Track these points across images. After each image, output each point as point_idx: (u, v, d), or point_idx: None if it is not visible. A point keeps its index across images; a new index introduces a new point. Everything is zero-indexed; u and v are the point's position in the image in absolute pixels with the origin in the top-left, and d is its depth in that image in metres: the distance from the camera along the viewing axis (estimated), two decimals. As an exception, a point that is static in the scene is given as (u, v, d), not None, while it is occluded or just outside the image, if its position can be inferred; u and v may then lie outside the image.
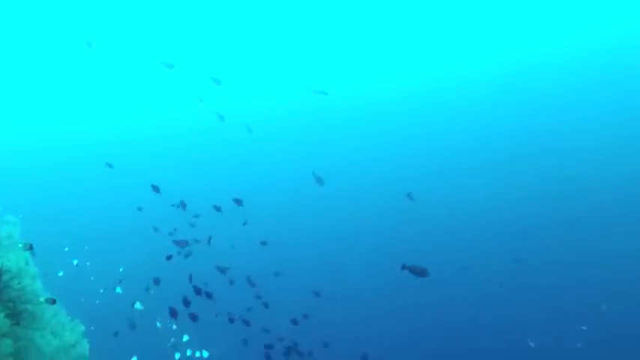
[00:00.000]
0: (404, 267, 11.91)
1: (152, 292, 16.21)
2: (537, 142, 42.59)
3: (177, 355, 12.00)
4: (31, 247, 9.15)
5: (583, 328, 24.57)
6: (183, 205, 20.34)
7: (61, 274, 11.89)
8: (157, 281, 18.09)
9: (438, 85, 47.95)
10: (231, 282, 22.96)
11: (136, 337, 19.57)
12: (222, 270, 19.22)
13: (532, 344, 23.87)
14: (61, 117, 50.31)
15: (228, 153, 45.53)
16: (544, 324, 27.72)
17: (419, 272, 11.85)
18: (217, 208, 19.11)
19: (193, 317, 15.75)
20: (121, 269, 18.81)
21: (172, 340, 14.41)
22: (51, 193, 42.95)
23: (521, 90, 45.71)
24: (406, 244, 35.77)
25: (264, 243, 24.07)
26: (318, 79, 44.97)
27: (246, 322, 19.53)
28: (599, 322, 25.85)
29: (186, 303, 15.81)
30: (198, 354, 13.37)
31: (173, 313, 15.26)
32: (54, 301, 9.06)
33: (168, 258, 15.63)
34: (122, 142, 46.53)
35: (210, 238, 17.19)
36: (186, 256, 19.31)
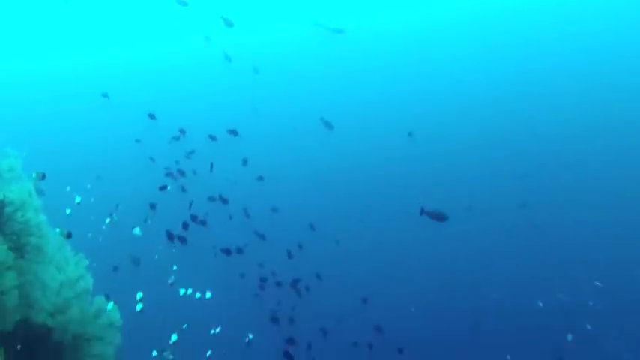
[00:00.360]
0: (422, 212, 11.50)
1: (149, 222, 16.22)
2: (538, 85, 41.92)
3: (181, 291, 11.99)
4: (43, 177, 9.00)
5: (598, 284, 24.39)
6: (182, 132, 20.37)
7: (68, 211, 11.75)
8: (153, 206, 18.21)
9: (446, 21, 46.60)
10: (230, 217, 23.21)
11: (138, 272, 19.75)
12: (224, 200, 19.29)
13: (541, 304, 23.74)
14: (65, 50, 49.26)
15: (234, 92, 44.75)
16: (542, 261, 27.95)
17: (438, 217, 11.48)
18: (212, 138, 19.22)
19: (182, 240, 15.92)
20: (118, 205, 18.76)
21: (173, 277, 14.47)
22: (54, 128, 42.39)
23: (527, 32, 44.63)
24: (405, 182, 35.72)
25: (260, 178, 24.00)
26: (325, 12, 43.46)
27: (240, 252, 19.95)
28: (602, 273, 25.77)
29: (185, 226, 16.09)
30: (198, 295, 13.37)
31: (170, 237, 15.58)
32: (69, 235, 9.00)
33: (162, 189, 15.64)
34: (124, 75, 45.71)
35: (212, 166, 17.35)
36: (182, 189, 19.38)
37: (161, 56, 49.29)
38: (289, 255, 19.85)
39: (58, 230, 8.78)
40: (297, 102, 45.46)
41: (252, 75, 30.74)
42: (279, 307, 20.78)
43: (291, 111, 43.98)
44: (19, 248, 7.71)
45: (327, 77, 47.59)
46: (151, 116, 19.85)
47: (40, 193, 11.05)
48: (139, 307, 9.52)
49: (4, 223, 7.63)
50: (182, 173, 19.81)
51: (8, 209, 7.64)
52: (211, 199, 20.51)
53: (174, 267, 14.04)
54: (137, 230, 14.50)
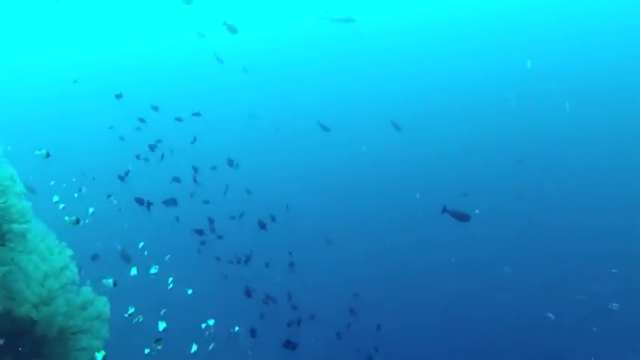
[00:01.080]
0: (445, 210, 11.57)
1: (115, 202, 15.96)
2: (548, 84, 41.34)
3: (170, 283, 11.70)
4: (48, 155, 8.61)
5: (614, 270, 24.09)
6: (155, 109, 20.30)
7: (62, 206, 11.40)
8: (122, 177, 18.08)
9: (452, 17, 45.79)
10: (207, 202, 23.17)
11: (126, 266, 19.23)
12: (195, 180, 19.48)
13: (551, 316, 23.41)
14: (56, 46, 48.20)
15: (226, 90, 43.83)
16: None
17: (460, 217, 11.54)
18: (178, 119, 19.37)
19: (140, 201, 15.78)
20: (94, 177, 18.49)
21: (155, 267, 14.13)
22: (38, 123, 41.19)
23: (526, 31, 44.15)
24: (405, 183, 35.23)
25: (230, 162, 23.75)
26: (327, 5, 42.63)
27: (213, 231, 20.20)
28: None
29: (170, 202, 16.27)
30: (190, 291, 13.29)
31: (140, 201, 15.53)
32: (77, 221, 8.67)
33: (124, 175, 15.67)
34: (116, 70, 44.58)
35: (195, 139, 17.57)
36: (162, 157, 19.26)
37: (153, 52, 48.53)
38: (263, 226, 19.61)
39: (66, 218, 8.47)
40: (297, 100, 44.96)
41: (244, 73, 30.29)
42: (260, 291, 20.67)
43: (290, 109, 43.39)
44: (0, 236, 7.23)
45: (327, 73, 46.91)
46: (118, 96, 19.75)
47: (31, 191, 10.60)
48: (130, 310, 9.16)
49: (-16, 209, 7.15)
50: (152, 148, 19.58)
51: (-12, 194, 7.14)
52: (175, 180, 20.67)
53: (156, 267, 13.68)
54: (113, 199, 14.31)
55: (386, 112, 35.90)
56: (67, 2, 42.43)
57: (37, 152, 8.58)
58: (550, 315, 23.01)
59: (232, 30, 19.11)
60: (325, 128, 25.62)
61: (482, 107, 40.99)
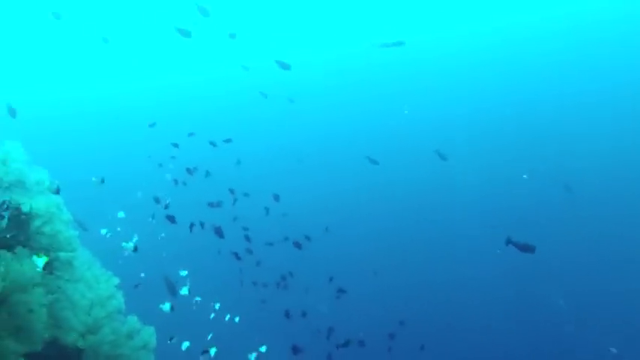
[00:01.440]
0: (509, 242, 11.61)
1: (153, 220, 16.07)
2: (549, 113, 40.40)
3: (216, 306, 11.70)
4: (102, 181, 8.73)
5: None
6: (191, 134, 20.59)
7: (104, 231, 11.53)
8: (166, 206, 18.17)
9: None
10: (246, 228, 23.07)
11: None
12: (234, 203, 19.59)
13: (614, 350, 22.41)
14: (107, 79, 49.29)
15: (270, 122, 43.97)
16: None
17: (526, 248, 11.56)
18: (213, 144, 19.47)
19: (172, 219, 15.65)
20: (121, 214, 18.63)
21: (199, 298, 14.11)
22: (90, 158, 41.90)
23: (578, 52, 43.28)
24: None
25: (276, 197, 23.66)
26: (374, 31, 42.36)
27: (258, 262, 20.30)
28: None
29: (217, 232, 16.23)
30: (238, 320, 13.35)
31: (171, 219, 15.48)
32: (135, 249, 8.71)
33: (166, 206, 15.73)
34: (158, 102, 45.28)
35: (239, 161, 17.60)
36: (207, 175, 19.49)
37: (200, 84, 49.28)
38: (299, 247, 19.37)
39: (123, 244, 8.53)
40: (342, 127, 44.95)
41: (288, 104, 30.34)
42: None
43: (334, 137, 43.38)
44: (47, 264, 7.19)
45: (372, 99, 46.60)
46: (151, 125, 19.98)
47: (83, 227, 10.65)
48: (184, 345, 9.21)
49: (31, 237, 7.14)
50: (191, 172, 19.68)
51: (36, 222, 7.14)
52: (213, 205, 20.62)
53: (199, 297, 13.61)
54: (152, 220, 14.46)
55: (431, 139, 35.22)
56: (114, 43, 43.52)
57: (93, 179, 8.67)
58: (613, 349, 21.93)
59: (284, 67, 18.99)
60: (374, 161, 25.24)
61: (533, 132, 39.63)
